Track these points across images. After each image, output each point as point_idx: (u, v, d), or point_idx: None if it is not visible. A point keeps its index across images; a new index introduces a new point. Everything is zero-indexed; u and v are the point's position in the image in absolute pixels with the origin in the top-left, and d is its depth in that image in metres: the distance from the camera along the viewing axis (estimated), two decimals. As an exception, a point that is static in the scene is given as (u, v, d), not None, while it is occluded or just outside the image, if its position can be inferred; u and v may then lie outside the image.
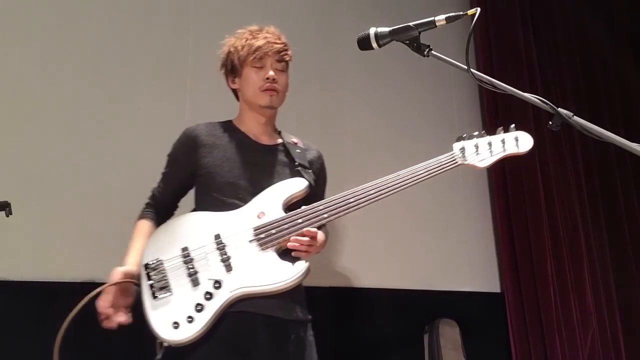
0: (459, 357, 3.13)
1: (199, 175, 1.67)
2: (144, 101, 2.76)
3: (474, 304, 3.45)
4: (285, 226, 1.53)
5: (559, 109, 1.27)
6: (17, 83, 2.51)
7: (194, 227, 1.57)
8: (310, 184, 1.66)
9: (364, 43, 1.49)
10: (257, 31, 1.74)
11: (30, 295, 2.32)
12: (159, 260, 1.52)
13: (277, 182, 1.64)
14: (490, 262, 3.65)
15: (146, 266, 1.52)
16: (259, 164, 1.67)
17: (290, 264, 1.51)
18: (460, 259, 3.51)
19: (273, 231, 1.53)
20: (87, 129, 2.60)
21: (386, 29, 1.46)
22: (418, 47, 1.42)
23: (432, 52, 1.41)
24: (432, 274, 3.37)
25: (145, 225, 1.70)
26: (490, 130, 1.68)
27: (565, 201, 3.77)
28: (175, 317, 1.43)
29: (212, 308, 1.44)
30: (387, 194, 1.59)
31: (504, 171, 3.61)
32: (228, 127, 1.76)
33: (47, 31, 2.62)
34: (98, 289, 1.46)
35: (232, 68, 1.74)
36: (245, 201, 1.60)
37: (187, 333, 1.41)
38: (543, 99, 1.29)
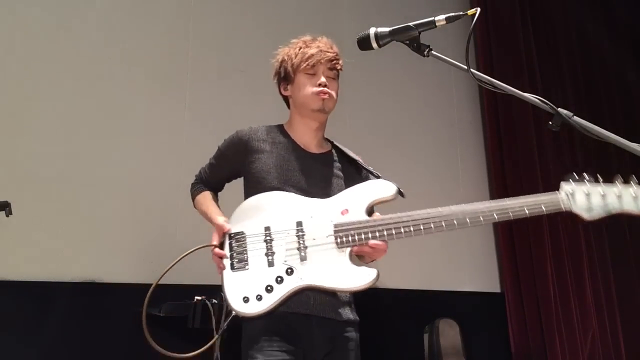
0: (459, 357, 3.13)
1: (247, 178, 1.73)
2: (143, 101, 2.76)
3: (474, 304, 3.45)
4: (365, 230, 1.55)
5: (559, 109, 1.27)
6: (17, 83, 2.51)
7: (280, 207, 1.62)
8: (399, 190, 1.66)
9: (364, 43, 1.49)
10: (310, 40, 1.77)
11: (30, 295, 2.32)
12: (243, 234, 1.61)
13: (325, 189, 1.67)
14: (490, 262, 3.65)
15: (230, 236, 1.61)
16: (305, 172, 1.70)
17: (361, 268, 1.54)
18: (460, 259, 3.51)
19: (352, 232, 1.55)
20: (87, 129, 2.60)
21: (386, 29, 1.46)
22: (418, 47, 1.42)
23: (432, 52, 1.40)
24: (432, 274, 3.37)
25: (207, 194, 1.81)
26: (605, 178, 1.54)
27: (565, 201, 3.76)
28: (246, 292, 1.53)
29: (280, 291, 1.52)
30: (475, 223, 1.52)
31: (503, 171, 3.61)
32: (279, 132, 1.79)
33: (47, 31, 2.62)
34: (201, 246, 1.61)
35: (285, 75, 1.77)
36: None
37: (254, 309, 1.52)
38: (543, 99, 1.29)
